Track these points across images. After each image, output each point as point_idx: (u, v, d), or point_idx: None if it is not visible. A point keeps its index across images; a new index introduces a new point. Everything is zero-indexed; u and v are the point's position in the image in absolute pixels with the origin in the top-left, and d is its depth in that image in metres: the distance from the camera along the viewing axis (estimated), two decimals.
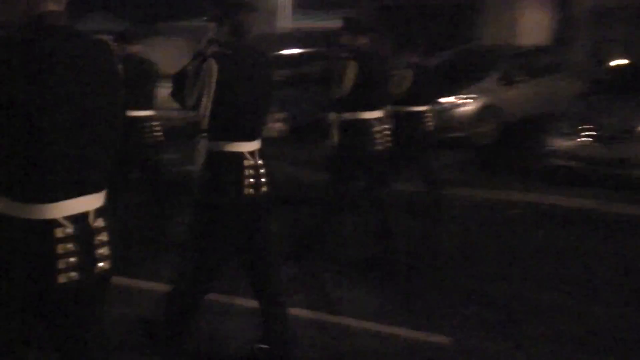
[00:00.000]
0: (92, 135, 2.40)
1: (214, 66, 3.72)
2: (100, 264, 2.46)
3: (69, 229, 2.36)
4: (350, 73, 5.85)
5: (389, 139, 6.18)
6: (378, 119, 6.01)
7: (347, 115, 5.97)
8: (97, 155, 2.44)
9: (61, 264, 2.36)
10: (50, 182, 2.33)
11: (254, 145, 3.96)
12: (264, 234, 4.08)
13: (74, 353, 2.57)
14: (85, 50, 2.41)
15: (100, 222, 2.45)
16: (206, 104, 3.76)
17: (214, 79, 3.73)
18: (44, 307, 2.45)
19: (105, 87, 2.44)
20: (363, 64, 5.88)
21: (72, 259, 2.37)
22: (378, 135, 6.01)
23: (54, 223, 2.35)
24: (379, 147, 6.04)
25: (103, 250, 2.47)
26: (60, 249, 2.36)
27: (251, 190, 3.89)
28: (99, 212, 2.47)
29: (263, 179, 3.95)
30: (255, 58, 4.00)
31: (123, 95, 2.57)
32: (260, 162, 3.96)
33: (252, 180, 3.89)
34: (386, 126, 6.15)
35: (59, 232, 2.35)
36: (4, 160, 2.31)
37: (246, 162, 3.88)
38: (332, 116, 6.00)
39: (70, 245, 2.37)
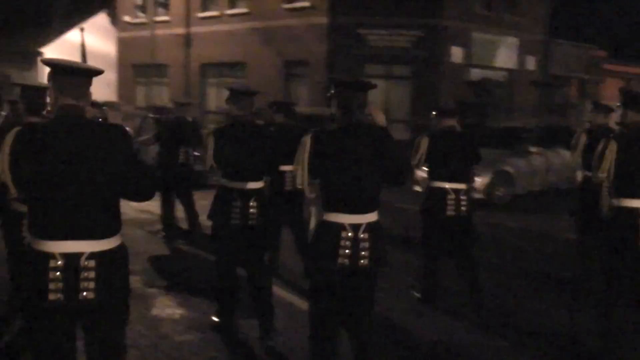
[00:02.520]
0: (83, 198, 3.41)
1: (308, 141, 4.30)
2: (84, 294, 3.41)
3: (60, 262, 3.37)
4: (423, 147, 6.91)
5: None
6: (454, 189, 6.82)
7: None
8: (89, 213, 3.43)
9: (51, 286, 3.37)
10: (49, 227, 3.40)
11: (358, 218, 4.30)
12: (360, 303, 4.48)
13: None
14: (85, 134, 3.46)
15: (91, 263, 3.42)
16: (302, 175, 4.34)
17: (306, 154, 4.29)
18: (39, 320, 3.47)
19: (101, 161, 3.44)
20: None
21: (59, 284, 3.37)
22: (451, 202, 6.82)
23: (49, 255, 3.38)
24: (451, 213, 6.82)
25: (88, 284, 3.40)
26: (51, 275, 3.37)
27: (346, 261, 4.28)
28: (95, 255, 3.43)
29: (363, 252, 4.29)
30: (359, 134, 4.33)
31: (128, 166, 3.53)
32: (363, 235, 4.29)
33: (347, 251, 4.27)
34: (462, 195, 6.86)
35: (52, 262, 3.38)
36: (28, 209, 3.48)
37: (344, 234, 4.27)
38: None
39: (58, 274, 3.37)
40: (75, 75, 3.56)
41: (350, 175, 4.27)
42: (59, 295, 3.38)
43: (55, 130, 3.44)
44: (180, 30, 29.21)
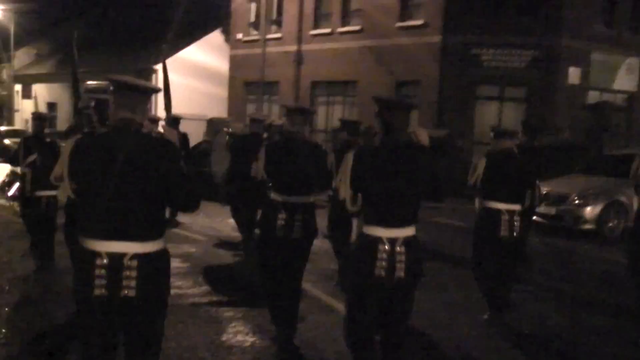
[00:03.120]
0: (129, 203, 3.77)
1: (350, 157, 4.62)
2: (126, 291, 3.77)
3: (105, 260, 3.75)
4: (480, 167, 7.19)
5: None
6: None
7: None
8: (134, 218, 3.78)
9: (97, 282, 3.74)
10: (97, 228, 3.77)
11: (396, 232, 4.51)
12: (395, 314, 4.68)
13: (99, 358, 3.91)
14: (137, 145, 3.82)
15: (134, 263, 3.76)
16: (344, 190, 4.61)
17: (349, 169, 4.58)
18: (89, 313, 3.83)
19: (149, 171, 3.80)
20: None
21: (103, 281, 3.74)
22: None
23: (96, 253, 3.76)
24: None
25: (129, 282, 3.76)
26: (97, 272, 3.75)
27: (382, 273, 4.49)
28: (137, 256, 3.77)
29: (399, 265, 4.49)
30: (399, 151, 4.57)
31: (174, 178, 3.86)
32: (400, 249, 4.49)
33: (384, 263, 4.48)
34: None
35: (98, 260, 3.75)
36: (80, 210, 3.87)
37: (381, 247, 4.49)
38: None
39: (103, 271, 3.74)
40: (132, 92, 3.93)
41: (388, 191, 4.48)
42: (103, 291, 3.75)
43: (110, 140, 3.86)
44: (292, 48, 29.34)
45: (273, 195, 6.24)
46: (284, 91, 29.98)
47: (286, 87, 29.84)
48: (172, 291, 8.14)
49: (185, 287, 8.71)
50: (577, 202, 13.36)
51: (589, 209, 13.58)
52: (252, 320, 7.24)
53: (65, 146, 3.93)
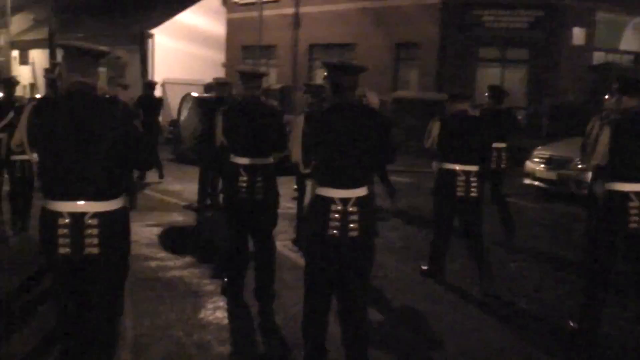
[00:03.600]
0: (83, 163, 3.87)
1: (301, 120, 4.70)
2: (88, 249, 3.90)
3: (67, 220, 3.87)
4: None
5: None
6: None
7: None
8: (92, 177, 3.88)
9: (60, 241, 3.86)
10: (58, 189, 3.89)
11: (347, 193, 4.56)
12: (352, 273, 4.66)
13: (72, 314, 4.05)
14: (91, 107, 3.94)
15: (94, 221, 3.88)
16: (296, 152, 4.70)
17: (299, 132, 4.66)
18: (53, 270, 4.01)
19: (103, 132, 3.89)
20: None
21: (66, 240, 3.86)
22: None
23: (57, 214, 3.88)
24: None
25: (91, 240, 3.87)
26: (60, 231, 3.86)
27: (335, 232, 4.56)
28: (98, 214, 3.89)
29: (352, 225, 4.54)
30: (346, 113, 4.61)
31: (128, 138, 3.98)
32: (352, 209, 4.55)
33: (337, 223, 4.55)
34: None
35: (60, 220, 3.86)
36: (40, 173, 4.00)
37: (334, 207, 4.55)
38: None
39: (65, 230, 3.86)
40: (82, 56, 4.02)
41: (338, 152, 4.54)
42: (67, 250, 3.90)
43: (65, 104, 3.96)
44: (289, 11, 28.67)
45: (233, 159, 6.33)
46: (281, 55, 29.40)
47: (284, 50, 29.23)
48: (153, 263, 8.01)
49: (166, 259, 8.32)
50: (579, 166, 12.85)
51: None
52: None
53: (23, 112, 4.04)
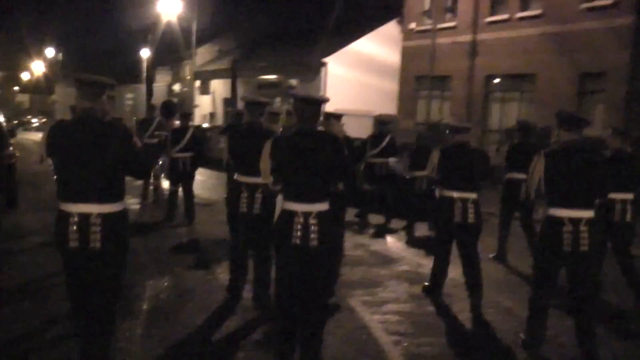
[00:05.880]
0: (88, 174, 4.66)
1: (269, 144, 5.27)
2: (92, 244, 4.67)
3: (75, 219, 4.67)
4: None
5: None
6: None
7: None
8: (97, 185, 4.68)
9: (70, 236, 4.68)
10: (70, 194, 4.71)
11: (309, 207, 5.12)
12: (310, 277, 5.19)
13: (81, 301, 4.82)
14: (96, 129, 4.72)
15: (98, 220, 4.66)
16: (265, 171, 5.31)
17: (267, 154, 5.25)
18: (65, 260, 4.80)
19: (106, 149, 4.68)
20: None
21: (75, 235, 4.67)
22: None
23: (69, 214, 4.69)
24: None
25: (96, 236, 4.65)
26: (70, 228, 4.67)
27: (297, 241, 5.09)
28: (102, 215, 4.67)
29: (313, 235, 5.08)
30: (308, 139, 5.17)
31: (126, 153, 4.76)
32: (313, 221, 5.10)
33: (299, 233, 5.07)
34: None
35: (71, 219, 4.68)
36: (57, 182, 4.79)
37: (297, 219, 5.09)
38: None
39: (74, 228, 4.66)
40: (90, 86, 4.81)
41: (300, 172, 5.15)
42: (76, 244, 4.67)
43: (75, 126, 4.75)
44: (466, 38, 26.07)
45: (237, 177, 7.21)
46: (456, 86, 26.75)
47: (458, 81, 26.57)
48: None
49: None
50: None
51: None
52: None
53: (43, 132, 4.90)
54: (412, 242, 11.60)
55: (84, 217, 4.64)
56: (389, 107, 28.97)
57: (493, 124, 25.09)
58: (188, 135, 12.09)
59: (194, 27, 40.80)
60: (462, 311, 7.48)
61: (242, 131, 7.26)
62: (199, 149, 12.30)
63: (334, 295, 7.65)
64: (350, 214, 13.39)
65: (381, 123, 13.50)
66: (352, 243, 11.19)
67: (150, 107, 15.70)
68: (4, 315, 6.69)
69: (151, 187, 15.09)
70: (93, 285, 4.77)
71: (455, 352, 6.30)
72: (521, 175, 9.05)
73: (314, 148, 5.13)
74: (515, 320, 7.05)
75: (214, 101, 41.58)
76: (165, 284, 8.09)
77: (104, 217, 4.67)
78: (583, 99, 21.56)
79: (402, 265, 9.69)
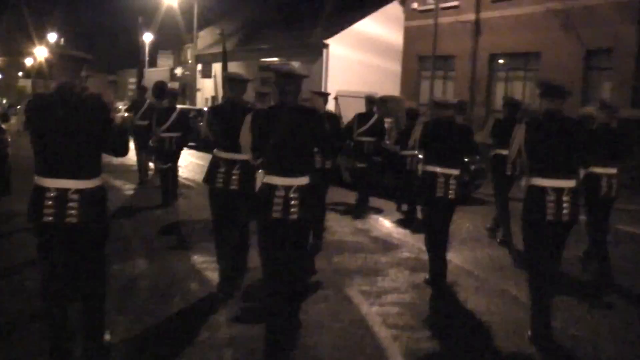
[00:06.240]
0: (67, 149, 4.70)
1: (249, 118, 5.39)
2: (68, 218, 4.71)
3: (53, 193, 4.71)
4: None
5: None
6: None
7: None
8: (75, 160, 4.73)
9: (46, 210, 4.70)
10: (48, 169, 4.73)
11: (289, 181, 5.21)
12: (290, 248, 5.32)
13: (55, 276, 4.88)
14: (74, 104, 4.75)
15: (76, 196, 4.72)
16: (245, 145, 5.45)
17: (248, 128, 5.35)
18: (40, 237, 4.82)
19: (84, 124, 4.75)
20: None
21: (51, 210, 4.70)
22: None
23: (46, 189, 4.73)
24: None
25: (72, 212, 4.70)
26: (46, 203, 4.70)
27: (278, 215, 5.18)
28: (79, 191, 4.73)
29: (293, 209, 5.17)
30: (291, 113, 5.26)
31: (104, 128, 4.84)
32: (293, 195, 5.19)
33: (279, 207, 5.17)
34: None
35: (47, 193, 4.72)
36: (35, 156, 4.80)
37: (277, 193, 5.19)
38: None
39: (50, 202, 4.70)
40: (68, 60, 4.88)
41: (281, 145, 5.21)
42: (51, 218, 4.70)
43: (54, 101, 4.76)
44: (469, 17, 25.60)
45: (215, 152, 7.16)
46: (459, 66, 26.33)
47: (462, 61, 26.14)
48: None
49: None
50: None
51: None
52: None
53: (21, 105, 5.11)
54: (415, 225, 11.14)
55: (62, 192, 4.70)
56: (392, 88, 28.57)
57: (497, 103, 24.64)
58: (174, 116, 12.10)
59: (195, 10, 40.44)
60: (466, 301, 7.13)
61: (222, 107, 7.35)
62: (184, 129, 12.32)
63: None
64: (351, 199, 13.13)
65: (369, 102, 13.30)
66: (353, 228, 10.90)
67: (141, 89, 16.16)
68: None
69: (150, 172, 15.25)
70: (71, 260, 4.89)
71: (458, 348, 5.89)
72: (506, 152, 8.85)
73: (294, 122, 5.23)
74: (521, 309, 6.69)
75: (215, 84, 41.19)
76: (147, 266, 8.11)
77: (82, 192, 4.74)
78: (590, 77, 21.11)
79: (403, 252, 9.33)
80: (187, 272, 7.83)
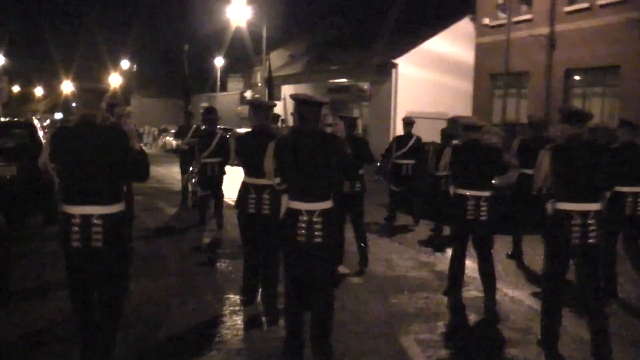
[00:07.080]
0: (90, 177, 4.93)
1: (272, 145, 5.51)
2: (94, 243, 4.94)
3: (77, 220, 4.93)
4: None
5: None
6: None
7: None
8: (98, 188, 4.94)
9: (72, 236, 4.95)
10: (73, 197, 4.98)
11: (313, 206, 5.38)
12: (315, 272, 5.46)
13: (82, 295, 5.14)
14: (96, 134, 5.00)
15: (99, 220, 4.93)
16: (269, 172, 5.55)
17: (271, 155, 5.47)
18: (69, 261, 5.07)
19: (105, 153, 4.95)
20: None
21: (77, 235, 4.94)
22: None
23: (71, 215, 4.96)
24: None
25: (97, 236, 4.93)
26: (72, 228, 4.94)
27: (302, 239, 5.37)
28: (102, 216, 4.93)
29: (317, 233, 5.35)
30: (309, 139, 5.42)
31: (125, 156, 5.05)
32: (317, 219, 5.36)
33: (303, 231, 5.35)
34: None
35: (73, 220, 4.94)
36: (60, 185, 5.07)
37: (301, 217, 5.37)
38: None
39: (76, 228, 4.93)
40: (87, 93, 5.12)
41: (303, 171, 5.36)
42: (78, 243, 4.95)
43: (76, 132, 5.05)
44: (543, 30, 24.39)
45: (245, 179, 7.20)
46: (533, 83, 25.11)
47: (536, 78, 24.91)
48: None
49: None
50: None
51: None
52: None
53: (46, 138, 5.42)
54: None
55: (86, 218, 4.93)
56: (463, 109, 27.55)
57: None
58: (215, 141, 11.88)
59: (264, 33, 40.26)
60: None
61: (248, 135, 7.36)
62: (225, 153, 11.67)
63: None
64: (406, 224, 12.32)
65: (407, 124, 13.30)
66: (416, 262, 10.00)
67: (188, 114, 16.48)
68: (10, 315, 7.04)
69: (190, 194, 15.39)
70: (96, 283, 5.12)
71: None
72: (532, 172, 8.37)
73: (314, 147, 5.37)
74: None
75: (285, 107, 40.81)
76: (173, 284, 8.51)
77: (105, 217, 4.97)
78: None
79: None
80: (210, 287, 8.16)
